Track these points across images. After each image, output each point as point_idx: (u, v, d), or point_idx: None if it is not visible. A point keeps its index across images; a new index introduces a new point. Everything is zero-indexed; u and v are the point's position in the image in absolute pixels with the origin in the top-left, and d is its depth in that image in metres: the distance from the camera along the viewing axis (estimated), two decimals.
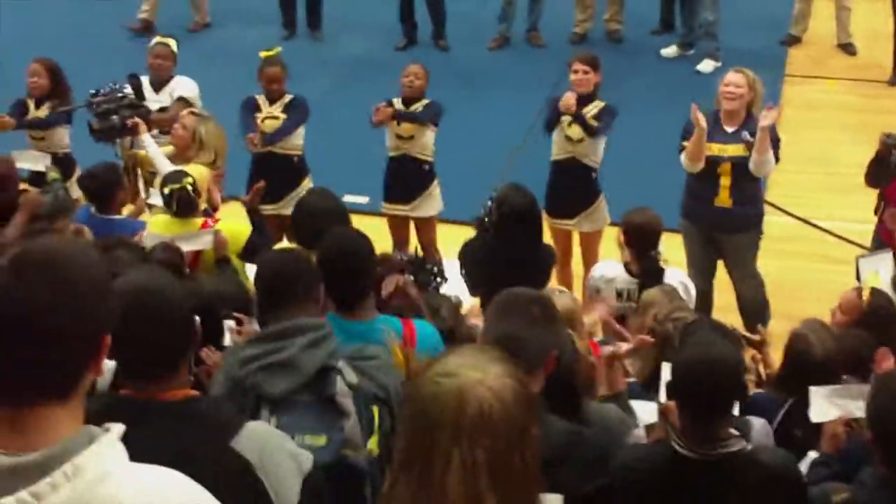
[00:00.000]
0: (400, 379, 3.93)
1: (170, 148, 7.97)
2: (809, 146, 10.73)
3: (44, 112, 8.63)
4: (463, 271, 6.84)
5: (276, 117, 8.46)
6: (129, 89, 8.34)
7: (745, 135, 7.56)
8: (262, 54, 8.67)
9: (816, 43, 13.28)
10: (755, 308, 7.93)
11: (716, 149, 7.60)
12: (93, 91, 8.33)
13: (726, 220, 7.74)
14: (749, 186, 7.74)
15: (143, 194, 8.01)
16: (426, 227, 8.71)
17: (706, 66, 12.59)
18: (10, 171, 7.33)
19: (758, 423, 4.63)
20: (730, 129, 7.64)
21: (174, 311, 3.04)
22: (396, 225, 8.75)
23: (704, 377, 3.76)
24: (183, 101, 8.69)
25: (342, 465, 3.68)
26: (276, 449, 3.02)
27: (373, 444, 3.79)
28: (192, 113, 8.02)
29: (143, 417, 2.83)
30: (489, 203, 6.62)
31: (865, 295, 5.85)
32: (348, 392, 3.74)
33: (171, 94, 8.78)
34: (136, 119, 8.06)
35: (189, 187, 6.83)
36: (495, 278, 5.67)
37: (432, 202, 8.64)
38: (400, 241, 8.65)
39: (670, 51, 13.04)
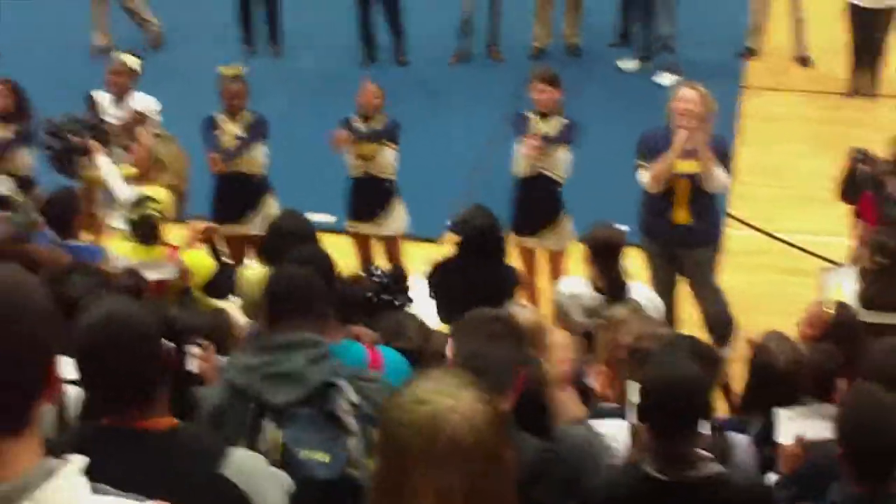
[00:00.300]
0: None
1: (132, 169, 7.93)
2: (769, 158, 10.80)
3: (8, 132, 8.56)
4: (431, 294, 6.86)
5: (237, 136, 8.42)
6: (87, 112, 8.34)
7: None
8: (223, 70, 8.63)
9: (774, 55, 13.37)
10: (719, 324, 7.94)
11: (681, 165, 7.60)
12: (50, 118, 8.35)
13: (685, 235, 7.74)
14: (706, 201, 7.74)
15: (101, 217, 7.96)
16: (391, 246, 8.70)
17: (665, 78, 12.63)
18: None
19: (740, 442, 4.62)
20: (685, 146, 7.62)
21: (146, 339, 3.03)
22: (361, 243, 8.73)
23: (667, 395, 3.77)
24: (138, 114, 8.66)
25: (346, 482, 3.67)
26: (260, 473, 3.06)
27: (370, 466, 3.80)
28: (155, 134, 8.00)
29: (127, 446, 2.84)
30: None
31: (830, 308, 5.89)
32: (350, 410, 3.73)
33: (129, 109, 8.74)
34: (90, 141, 8.02)
35: (155, 214, 6.81)
36: (459, 301, 5.69)
37: (396, 220, 8.63)
38: (364, 259, 8.63)
39: (629, 64, 13.09)
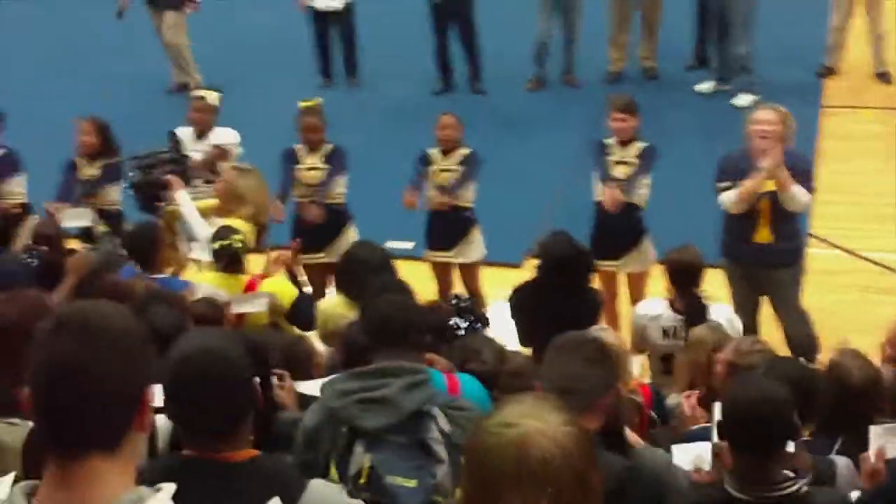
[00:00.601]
0: None
1: (213, 201, 8.06)
2: (850, 177, 10.71)
3: (95, 170, 8.73)
4: (513, 318, 6.90)
5: (318, 168, 8.52)
6: (169, 147, 8.50)
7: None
8: (301, 104, 8.74)
9: (853, 73, 13.26)
10: (803, 344, 7.86)
11: (764, 184, 7.56)
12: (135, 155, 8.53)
13: (767, 255, 7.70)
14: (788, 221, 7.69)
15: (183, 250, 8.08)
16: (470, 273, 8.73)
17: (743, 100, 12.57)
18: (55, 231, 7.44)
19: (842, 463, 4.58)
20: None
21: (236, 374, 3.06)
22: (440, 272, 8.78)
23: (752, 415, 3.76)
24: (218, 149, 8.80)
25: None
26: None
27: (457, 495, 3.82)
28: (234, 167, 8.11)
29: (210, 478, 2.87)
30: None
31: None
32: (441, 439, 3.77)
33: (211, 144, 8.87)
34: (171, 177, 8.15)
35: (238, 244, 6.91)
36: (541, 325, 5.74)
37: (474, 248, 8.63)
38: (444, 287, 8.67)
39: (706, 86, 13.05)
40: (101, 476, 2.18)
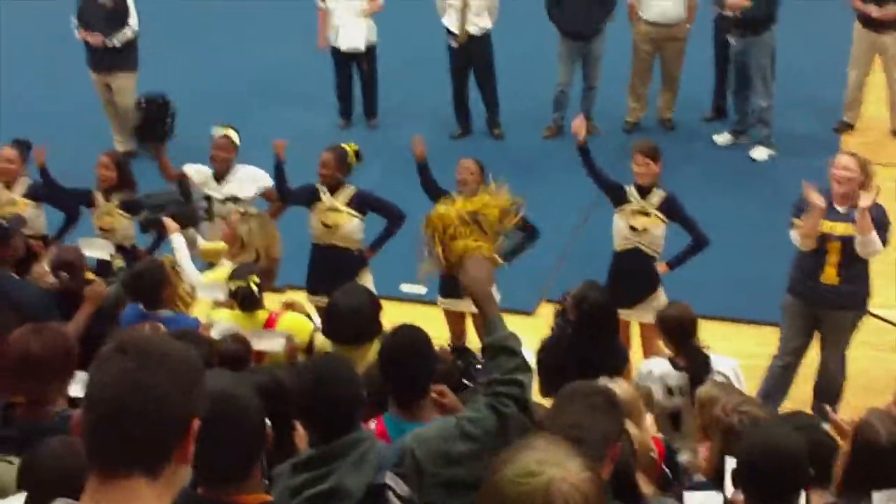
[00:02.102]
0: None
1: (222, 245, 8.13)
2: None
3: (113, 204, 8.79)
4: (539, 372, 6.86)
5: (338, 210, 8.56)
6: (177, 189, 8.63)
7: (856, 215, 7.65)
8: (347, 147, 8.80)
9: (870, 129, 13.29)
10: (832, 385, 8.02)
11: (826, 226, 7.72)
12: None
13: (832, 296, 7.83)
14: (857, 265, 7.84)
15: (187, 288, 8.13)
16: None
17: (760, 153, 12.65)
18: (78, 259, 7.50)
19: None
20: (841, 209, 7.76)
21: (251, 419, 3.09)
22: (454, 319, 8.78)
23: (768, 463, 3.78)
24: (269, 189, 8.93)
25: None
26: None
27: None
28: (238, 212, 8.18)
29: None
30: (567, 300, 6.71)
31: None
32: None
33: (238, 182, 8.92)
34: (166, 219, 8.25)
35: (254, 284, 6.95)
36: (570, 377, 5.73)
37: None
38: (457, 333, 8.68)
39: (723, 138, 13.09)
40: (140, 498, 2.26)
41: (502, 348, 3.99)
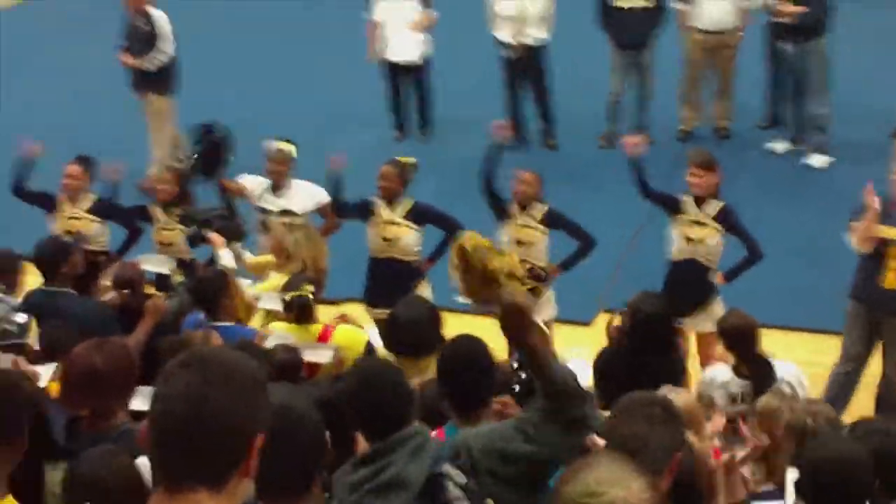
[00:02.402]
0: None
1: (269, 257, 8.19)
2: None
3: (174, 218, 8.91)
4: (597, 383, 6.86)
5: (397, 223, 8.60)
6: (222, 204, 8.71)
7: None
8: (401, 160, 8.82)
9: None
10: (891, 395, 7.92)
11: (887, 231, 7.66)
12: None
13: (892, 302, 7.76)
14: None
15: (249, 298, 8.20)
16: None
17: (816, 160, 12.55)
18: (138, 276, 7.60)
19: None
20: None
21: (310, 432, 3.12)
22: None
23: (832, 475, 3.76)
24: (323, 205, 8.96)
25: None
26: None
27: None
28: (284, 223, 8.23)
29: None
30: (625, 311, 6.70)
31: None
32: (461, 495, 3.74)
33: (293, 197, 8.96)
34: (213, 235, 8.32)
35: (309, 295, 7.02)
36: (626, 388, 5.72)
37: (546, 307, 8.64)
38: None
39: (780, 145, 13.02)
40: None
41: (565, 392, 3.97)
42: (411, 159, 8.88)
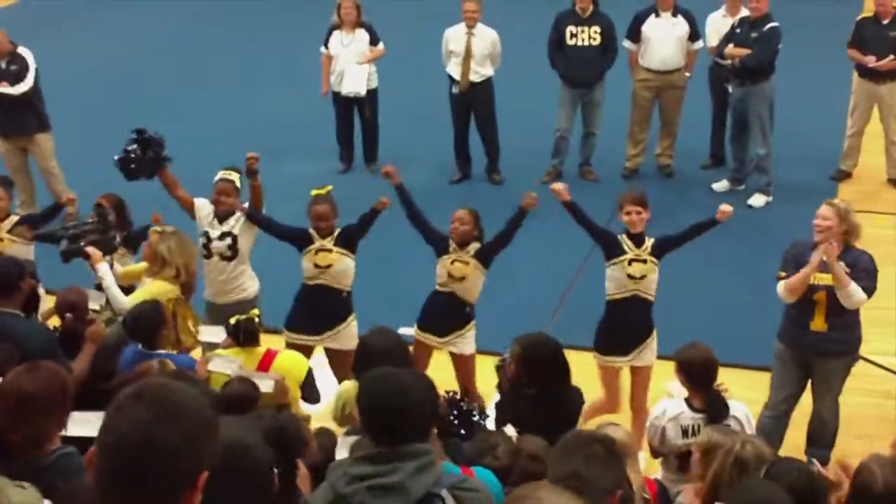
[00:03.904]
0: None
1: (142, 265, 8.36)
2: None
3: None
4: (499, 420, 6.89)
5: (329, 250, 8.59)
6: (95, 218, 8.69)
7: (842, 265, 7.66)
8: (313, 192, 8.82)
9: (867, 178, 13.37)
10: (826, 432, 8.03)
11: (812, 277, 7.72)
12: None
13: (821, 344, 7.86)
14: (846, 313, 7.84)
15: (193, 331, 8.16)
16: (465, 365, 8.72)
17: (758, 200, 12.73)
18: (82, 301, 7.55)
19: None
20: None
21: (258, 467, 3.12)
22: (424, 355, 8.76)
23: None
24: (229, 237, 8.88)
25: None
26: None
27: None
28: (156, 231, 8.28)
29: None
30: (506, 358, 6.71)
31: None
32: None
33: (235, 222, 8.90)
34: (90, 248, 8.34)
35: (255, 318, 7.07)
36: (529, 427, 5.78)
37: (466, 342, 8.66)
38: (421, 366, 8.58)
39: (722, 185, 13.17)
40: None
41: None
42: (328, 187, 8.88)
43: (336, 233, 8.64)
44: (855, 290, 7.59)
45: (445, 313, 8.63)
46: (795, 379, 8.10)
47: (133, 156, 8.81)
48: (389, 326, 6.85)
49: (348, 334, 8.57)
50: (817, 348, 7.88)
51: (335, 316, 8.66)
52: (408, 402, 3.99)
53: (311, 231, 8.64)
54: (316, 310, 8.61)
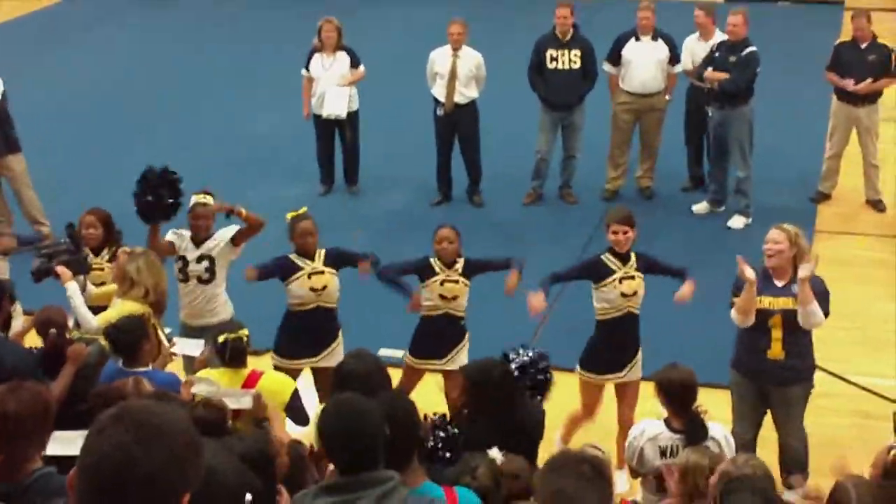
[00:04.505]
0: None
1: (112, 286, 8.31)
2: (842, 302, 10.73)
3: (104, 260, 8.87)
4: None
5: (321, 272, 8.61)
6: (66, 239, 8.66)
7: (795, 288, 7.66)
8: (290, 216, 8.82)
9: (846, 200, 13.46)
10: (798, 460, 7.97)
11: (767, 302, 7.72)
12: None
13: (779, 372, 7.82)
14: (801, 339, 7.82)
15: (165, 344, 8.14)
16: (457, 382, 8.73)
17: (737, 222, 12.78)
18: (62, 319, 7.52)
19: None
20: (780, 283, 7.76)
21: (224, 494, 3.11)
22: (414, 378, 8.79)
23: None
24: (207, 259, 8.89)
25: None
26: None
27: None
28: (125, 251, 8.26)
29: None
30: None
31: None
32: None
33: (215, 245, 8.87)
34: (60, 268, 8.29)
35: (244, 338, 7.04)
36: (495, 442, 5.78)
37: (464, 357, 8.69)
38: (408, 389, 8.60)
39: (701, 207, 13.23)
40: None
41: None
42: (303, 209, 8.89)
43: (323, 254, 8.65)
44: (817, 309, 7.59)
45: (445, 336, 8.69)
46: (756, 410, 8.05)
47: (150, 200, 8.77)
48: (368, 348, 6.85)
49: (340, 352, 8.57)
50: (776, 378, 7.84)
51: (330, 335, 8.69)
52: (364, 428, 3.96)
53: (293, 257, 8.64)
54: (313, 334, 8.64)
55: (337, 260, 8.68)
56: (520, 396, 6.81)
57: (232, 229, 8.93)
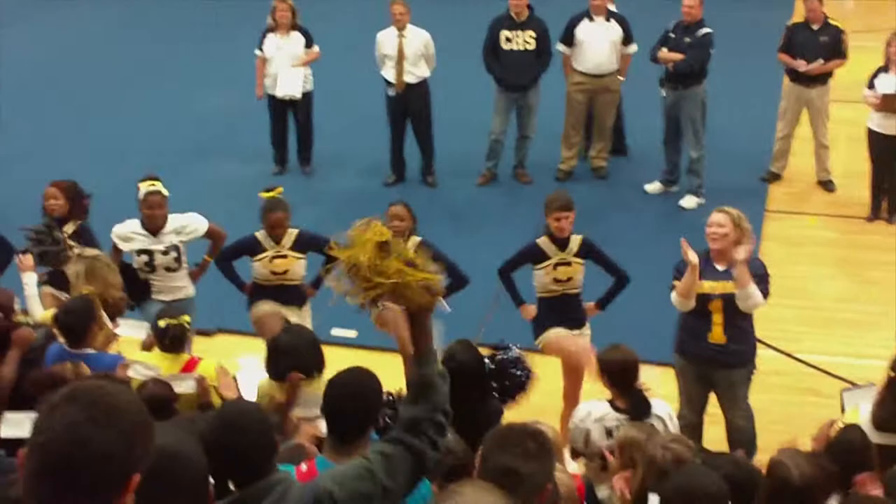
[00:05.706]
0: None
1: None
2: (791, 280, 10.89)
3: (69, 231, 8.79)
4: None
5: (284, 256, 8.66)
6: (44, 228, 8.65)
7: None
8: (263, 195, 8.78)
9: (797, 180, 13.56)
10: (745, 439, 8.01)
11: (707, 286, 7.73)
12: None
13: (721, 356, 7.84)
14: (742, 322, 7.83)
15: (108, 325, 8.08)
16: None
17: (689, 202, 12.85)
18: (9, 302, 7.46)
19: None
20: (720, 268, 7.76)
21: (193, 475, 3.09)
22: None
23: (692, 499, 3.85)
24: (174, 250, 8.84)
25: None
26: None
27: None
28: (78, 254, 8.18)
29: None
30: None
31: (838, 428, 5.93)
32: None
33: (175, 232, 8.82)
34: (22, 256, 8.32)
35: (185, 324, 7.00)
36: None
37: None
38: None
39: (654, 187, 13.29)
40: None
41: (430, 384, 3.67)
42: (277, 189, 8.88)
43: (294, 237, 8.69)
44: (755, 290, 7.61)
45: None
46: (701, 393, 8.10)
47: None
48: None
49: (306, 315, 8.75)
50: (718, 361, 7.86)
51: (294, 301, 8.85)
52: (242, 440, 3.82)
53: (260, 237, 8.64)
54: (280, 303, 8.81)
55: (306, 245, 8.71)
56: (489, 388, 6.80)
57: (203, 222, 8.92)
